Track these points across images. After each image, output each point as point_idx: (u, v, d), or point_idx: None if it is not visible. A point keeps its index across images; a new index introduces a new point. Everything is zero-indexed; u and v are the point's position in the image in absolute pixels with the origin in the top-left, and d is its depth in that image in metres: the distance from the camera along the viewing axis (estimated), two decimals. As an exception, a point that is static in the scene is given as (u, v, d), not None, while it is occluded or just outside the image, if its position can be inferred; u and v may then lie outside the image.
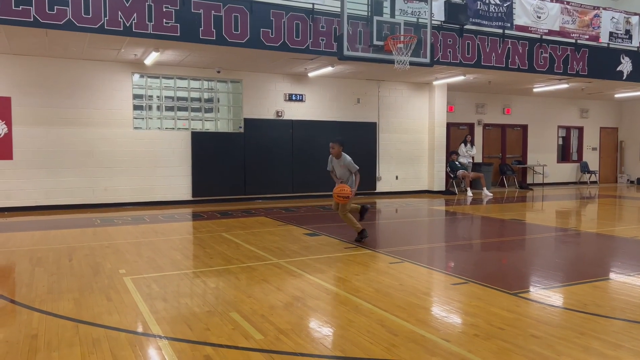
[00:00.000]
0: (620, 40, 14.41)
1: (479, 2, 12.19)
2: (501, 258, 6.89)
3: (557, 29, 13.36)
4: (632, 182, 20.45)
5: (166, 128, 12.65)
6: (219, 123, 13.39)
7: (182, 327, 4.03)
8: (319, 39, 10.82)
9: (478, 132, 17.69)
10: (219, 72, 12.86)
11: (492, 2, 12.36)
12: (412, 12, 10.74)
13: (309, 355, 3.50)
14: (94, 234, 8.41)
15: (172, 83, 12.67)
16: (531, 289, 5.24)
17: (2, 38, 9.56)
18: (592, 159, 20.29)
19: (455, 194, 15.38)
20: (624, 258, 6.89)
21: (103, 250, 7.07)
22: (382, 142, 15.20)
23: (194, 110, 12.98)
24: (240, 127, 13.36)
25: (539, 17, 13.06)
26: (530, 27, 13.01)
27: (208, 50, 10.59)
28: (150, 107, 12.51)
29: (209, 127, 13.23)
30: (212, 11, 9.93)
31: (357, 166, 7.42)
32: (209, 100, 13.22)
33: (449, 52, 12.21)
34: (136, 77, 12.28)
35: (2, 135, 11.03)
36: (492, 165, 17.26)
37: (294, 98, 13.90)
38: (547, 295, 4.91)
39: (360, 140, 14.68)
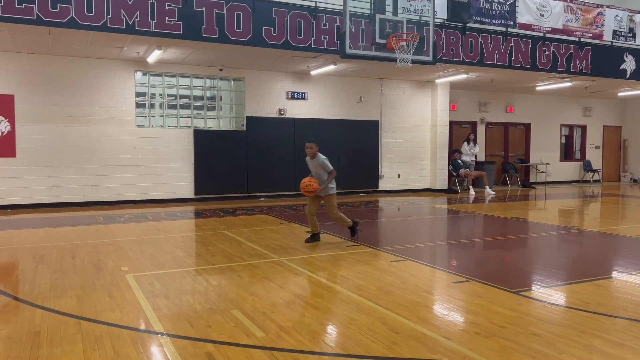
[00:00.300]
0: (623, 38, 14.35)
1: (481, 0, 12.14)
2: (503, 256, 6.88)
3: (561, 27, 13.31)
4: (635, 180, 20.39)
5: (169, 126, 12.67)
6: (222, 121, 13.40)
7: (184, 325, 4.05)
8: (321, 37, 10.81)
9: (481, 130, 17.65)
10: (221, 70, 12.87)
11: (495, 0, 12.33)
12: (415, 10, 10.74)
13: (310, 353, 3.51)
14: (96, 232, 8.43)
15: (174, 81, 12.69)
16: (533, 287, 5.24)
17: (5, 36, 9.59)
18: (595, 157, 20.22)
19: (458, 192, 15.37)
20: (627, 257, 6.88)
21: (106, 247, 7.10)
22: (385, 141, 15.18)
23: (196, 108, 12.99)
24: (243, 125, 13.37)
25: (542, 15, 13.01)
26: (534, 25, 12.96)
27: (210, 48, 10.61)
28: (152, 105, 12.53)
29: (212, 125, 13.24)
30: (215, 9, 9.93)
31: (331, 166, 7.16)
32: (212, 98, 13.23)
33: (452, 50, 12.19)
34: (139, 75, 12.30)
35: (5, 133, 11.06)
36: (494, 163, 17.22)
37: (296, 96, 13.90)
38: (548, 294, 4.91)
39: (363, 138, 14.70)
